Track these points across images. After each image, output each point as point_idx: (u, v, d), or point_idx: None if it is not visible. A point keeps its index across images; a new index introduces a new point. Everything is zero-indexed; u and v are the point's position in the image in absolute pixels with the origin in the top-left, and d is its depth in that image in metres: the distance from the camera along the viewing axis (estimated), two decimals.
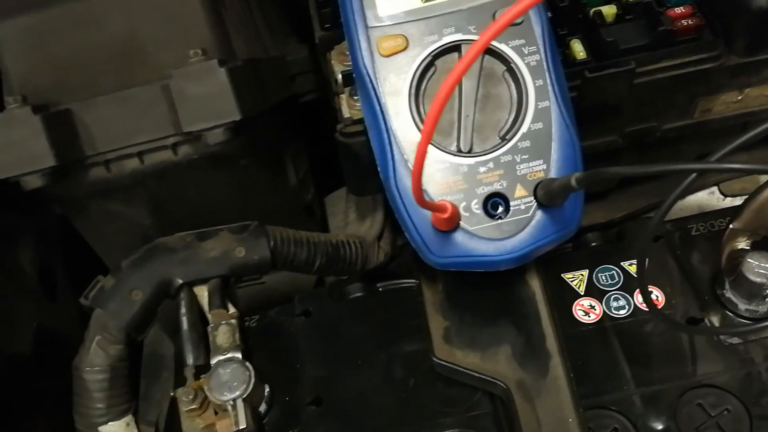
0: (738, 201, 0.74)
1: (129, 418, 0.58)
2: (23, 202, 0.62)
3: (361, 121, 0.59)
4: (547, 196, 0.49)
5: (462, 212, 0.50)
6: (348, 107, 0.60)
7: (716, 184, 0.74)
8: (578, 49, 0.60)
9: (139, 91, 0.59)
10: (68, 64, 0.59)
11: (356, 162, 0.62)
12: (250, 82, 0.61)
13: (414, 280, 0.59)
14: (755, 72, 0.62)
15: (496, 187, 0.51)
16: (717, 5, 0.59)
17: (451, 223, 0.49)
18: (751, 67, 0.61)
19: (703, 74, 0.60)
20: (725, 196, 0.74)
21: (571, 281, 0.57)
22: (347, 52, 0.61)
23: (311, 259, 0.64)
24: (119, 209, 0.65)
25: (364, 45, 0.52)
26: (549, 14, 0.58)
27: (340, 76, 0.61)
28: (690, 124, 0.65)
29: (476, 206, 0.50)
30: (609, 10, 0.61)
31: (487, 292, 0.56)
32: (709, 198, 0.74)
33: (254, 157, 0.65)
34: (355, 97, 0.59)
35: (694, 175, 0.39)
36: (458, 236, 0.50)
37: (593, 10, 0.60)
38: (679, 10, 0.59)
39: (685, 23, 0.59)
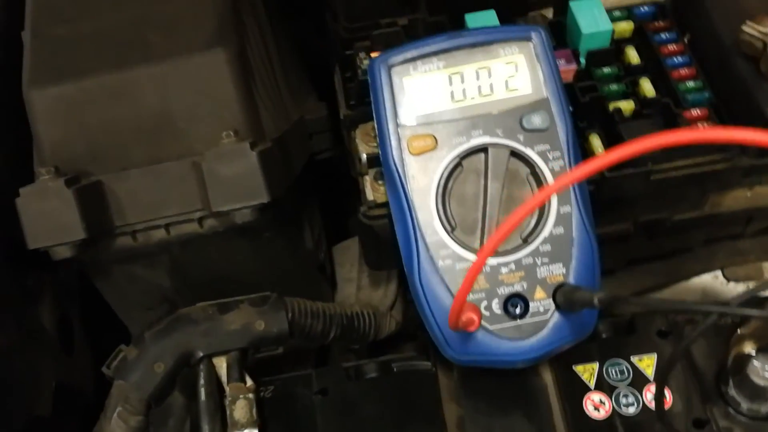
0: (741, 287, 0.76)
1: None
2: (45, 258, 0.64)
3: (383, 204, 0.61)
4: (566, 303, 0.51)
5: (483, 311, 0.52)
6: (372, 190, 0.62)
7: (721, 268, 0.76)
8: (597, 145, 0.62)
9: (170, 166, 0.60)
10: (101, 135, 0.61)
11: (377, 242, 0.63)
12: (278, 161, 0.63)
13: (428, 363, 0.61)
14: (766, 171, 0.64)
15: (517, 288, 0.52)
16: (732, 109, 0.62)
17: (474, 328, 0.50)
18: (763, 167, 0.63)
19: (715, 173, 0.62)
20: (728, 280, 0.76)
21: (582, 374, 0.59)
22: (372, 134, 0.62)
23: (326, 331, 0.66)
24: (141, 273, 0.67)
25: (394, 142, 0.54)
26: (571, 108, 0.60)
27: (365, 157, 0.63)
28: (700, 216, 0.67)
29: (497, 306, 0.52)
30: (627, 106, 0.63)
31: (500, 381, 0.58)
32: (713, 281, 0.76)
33: (276, 227, 0.66)
34: (379, 182, 0.61)
35: (714, 317, 0.41)
36: (478, 335, 0.52)
37: (613, 106, 0.62)
38: (695, 111, 0.62)
39: (701, 126, 0.61)
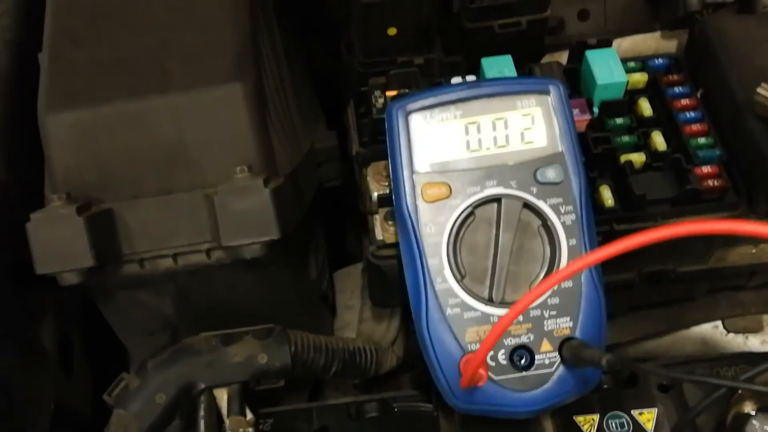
0: (740, 338, 0.76)
1: None
2: (48, 278, 0.64)
3: (392, 245, 0.61)
4: (572, 359, 0.51)
5: (489, 362, 0.52)
6: (381, 229, 0.62)
7: (722, 319, 0.76)
8: (607, 196, 0.62)
9: (182, 197, 0.60)
10: (115, 163, 0.61)
11: (383, 281, 0.64)
12: (290, 197, 0.63)
13: (429, 405, 0.61)
14: None
15: (524, 339, 0.53)
16: (743, 167, 0.62)
17: (482, 382, 0.51)
18: None
19: None
20: (728, 331, 0.76)
21: (582, 425, 0.59)
22: (384, 173, 0.63)
23: (328, 365, 0.66)
24: (146, 299, 0.67)
25: (408, 189, 0.55)
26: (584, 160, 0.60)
27: (375, 197, 0.63)
28: (704, 269, 0.67)
29: (503, 357, 0.53)
30: (638, 158, 0.63)
31: (501, 428, 0.58)
32: (713, 331, 0.77)
33: (283, 261, 0.66)
34: (389, 222, 0.61)
35: (722, 390, 0.41)
36: (484, 385, 0.52)
37: (624, 158, 0.63)
38: (706, 168, 0.62)
39: (712, 183, 0.61)
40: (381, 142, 0.61)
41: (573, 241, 0.54)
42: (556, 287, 0.53)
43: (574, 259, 0.40)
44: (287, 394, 0.76)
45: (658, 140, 0.64)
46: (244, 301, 0.69)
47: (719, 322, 0.77)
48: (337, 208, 0.91)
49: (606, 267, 0.60)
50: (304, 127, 0.79)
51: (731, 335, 0.76)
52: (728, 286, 0.75)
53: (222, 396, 0.62)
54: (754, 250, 0.66)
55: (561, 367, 0.52)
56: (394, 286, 0.62)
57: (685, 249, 0.66)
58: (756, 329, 0.75)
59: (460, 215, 0.54)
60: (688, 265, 0.67)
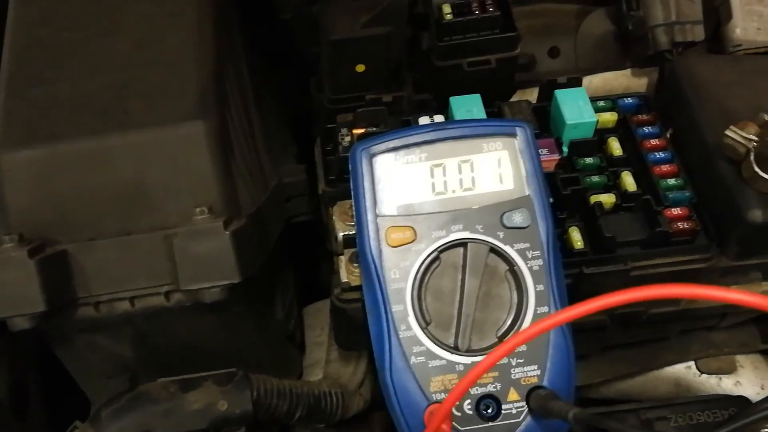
0: (713, 379, 0.75)
1: None
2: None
3: (357, 287, 0.59)
4: (540, 410, 0.49)
5: (454, 412, 0.51)
6: (346, 272, 0.61)
7: (695, 359, 0.75)
8: (576, 239, 0.61)
9: (140, 239, 0.58)
10: (72, 203, 0.59)
11: (349, 324, 0.62)
12: (253, 239, 0.61)
13: None
14: (743, 273, 0.64)
15: (490, 389, 0.51)
16: (713, 210, 0.62)
17: None
18: (741, 269, 0.63)
19: (694, 272, 0.62)
20: (701, 372, 0.75)
21: None
22: (350, 213, 0.61)
23: (292, 411, 0.64)
24: (103, 343, 0.65)
25: (372, 233, 0.53)
26: (551, 200, 0.59)
27: (341, 237, 0.61)
28: (676, 311, 0.66)
29: (469, 407, 0.51)
30: (608, 199, 0.63)
31: None
32: (686, 372, 0.75)
33: (246, 304, 0.65)
34: (355, 264, 0.60)
35: None
36: None
37: (594, 200, 0.62)
38: (676, 210, 0.61)
39: (682, 226, 0.61)
40: (347, 181, 0.59)
41: (540, 287, 0.52)
42: None
43: (543, 318, 0.38)
44: None
45: (628, 180, 0.63)
46: (206, 345, 0.67)
47: (692, 363, 0.76)
48: (308, 242, 0.90)
49: None
50: (272, 164, 0.77)
51: (704, 376, 0.75)
52: (701, 326, 0.74)
53: None
54: None
55: (528, 418, 0.51)
56: (360, 329, 0.60)
57: None
58: (729, 370, 0.74)
59: (425, 260, 0.53)
60: (660, 307, 0.66)
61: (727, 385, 0.74)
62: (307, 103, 0.83)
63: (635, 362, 0.76)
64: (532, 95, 0.75)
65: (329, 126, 0.68)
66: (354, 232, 0.59)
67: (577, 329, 0.54)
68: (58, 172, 0.59)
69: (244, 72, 0.76)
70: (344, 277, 0.60)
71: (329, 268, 0.64)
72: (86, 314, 0.60)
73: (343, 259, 0.61)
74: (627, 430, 0.39)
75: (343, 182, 0.63)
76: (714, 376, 0.75)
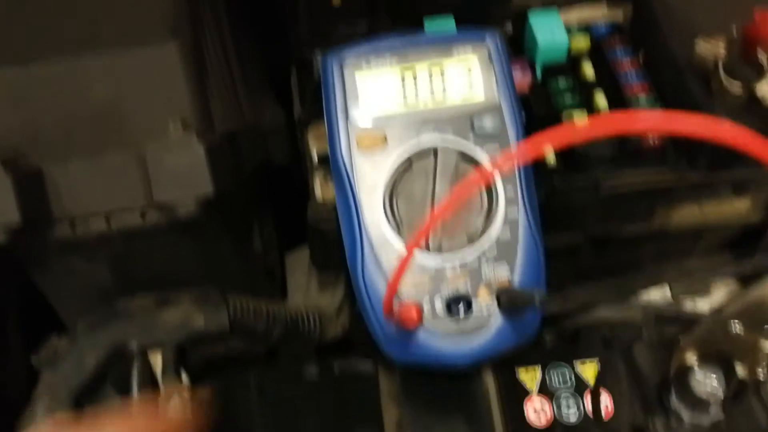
0: (688, 302, 0.76)
1: None
2: None
3: (332, 204, 0.60)
4: (509, 305, 0.50)
5: (425, 311, 0.51)
6: (321, 189, 0.61)
7: (669, 284, 0.76)
8: (550, 156, 0.62)
9: (114, 157, 0.58)
10: (45, 123, 0.59)
11: (324, 241, 0.62)
12: (226, 155, 0.61)
13: (370, 367, 0.60)
14: (714, 189, 0.65)
15: (461, 289, 0.52)
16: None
17: (414, 324, 0.50)
18: (711, 184, 0.64)
19: (665, 188, 0.63)
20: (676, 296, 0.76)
21: (524, 378, 0.58)
22: (325, 132, 0.62)
23: (269, 330, 0.64)
24: (80, 266, 0.65)
25: (344, 138, 0.54)
26: (524, 114, 0.60)
27: (315, 157, 0.62)
28: (649, 231, 0.67)
29: (439, 306, 0.51)
30: (580, 117, 0.63)
31: (441, 385, 0.57)
32: (660, 296, 0.76)
33: (222, 224, 0.65)
34: (329, 181, 0.60)
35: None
36: (420, 335, 0.51)
37: (566, 115, 0.63)
38: None
39: (652, 141, 0.61)
40: (322, 105, 0.60)
41: (510, 190, 0.53)
42: (494, 236, 0.52)
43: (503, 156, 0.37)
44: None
45: (600, 101, 0.64)
46: (185, 271, 0.68)
47: (667, 288, 0.76)
48: (291, 193, 0.90)
49: (550, 229, 0.59)
50: (250, 103, 0.77)
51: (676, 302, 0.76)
52: (675, 251, 0.74)
53: (156, 359, 0.60)
54: (698, 210, 0.66)
55: (499, 317, 0.51)
56: (335, 247, 0.61)
57: (629, 209, 0.66)
58: (703, 292, 0.75)
59: (396, 165, 0.53)
60: (633, 227, 0.67)
61: (702, 307, 0.75)
62: (285, 54, 0.83)
63: (610, 290, 0.76)
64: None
65: (305, 56, 0.69)
66: (329, 150, 0.60)
67: (552, 254, 0.54)
68: (30, 92, 0.59)
69: (220, 7, 0.76)
70: (319, 194, 0.61)
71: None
72: (62, 233, 0.60)
73: (318, 178, 0.62)
74: (597, 301, 0.40)
75: (318, 104, 0.64)
76: (688, 298, 0.75)
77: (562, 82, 0.66)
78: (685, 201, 0.65)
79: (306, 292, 0.78)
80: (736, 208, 0.66)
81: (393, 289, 0.42)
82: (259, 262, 0.77)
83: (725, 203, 0.66)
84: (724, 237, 0.73)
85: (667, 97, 0.64)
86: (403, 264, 0.40)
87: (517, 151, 0.36)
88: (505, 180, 0.53)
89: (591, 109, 0.64)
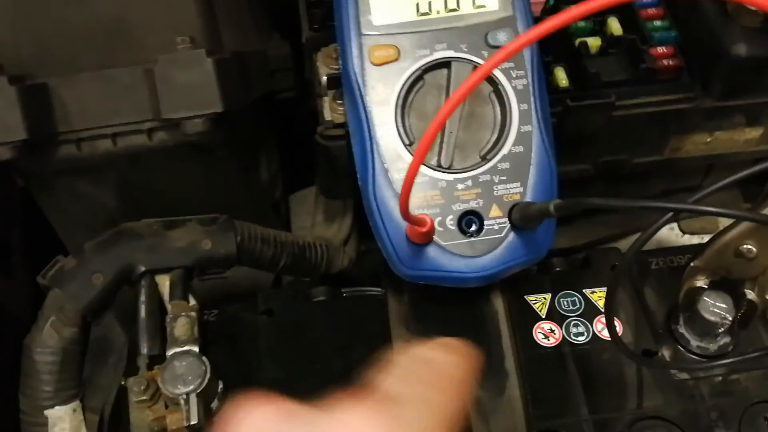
0: (695, 239, 0.76)
1: (76, 404, 0.57)
2: None
3: (342, 125, 0.59)
4: (522, 219, 0.49)
5: (437, 227, 0.51)
6: (330, 110, 0.60)
7: (677, 220, 0.76)
8: (561, 77, 0.61)
9: (121, 72, 0.58)
10: (52, 38, 0.58)
11: (332, 165, 0.62)
12: (235, 75, 0.60)
13: (379, 289, 0.59)
14: (727, 117, 0.64)
15: (472, 205, 0.51)
16: (698, 49, 0.61)
17: (426, 237, 0.49)
18: (724, 111, 0.63)
19: (677, 113, 0.62)
20: (684, 233, 0.76)
21: (534, 304, 0.58)
22: (334, 56, 0.61)
23: (276, 258, 0.64)
24: (86, 189, 0.64)
25: (355, 51, 0.53)
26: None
27: (324, 79, 0.61)
28: (660, 160, 0.67)
29: (451, 222, 0.51)
30: (594, 42, 0.62)
31: (451, 308, 0.56)
32: (669, 234, 0.76)
33: (230, 150, 0.64)
34: (338, 101, 0.59)
35: (670, 214, 0.40)
36: (431, 251, 0.50)
37: (579, 40, 0.62)
38: (661, 49, 0.61)
39: (666, 63, 0.60)
40: (330, 28, 0.59)
41: (524, 106, 0.52)
42: (506, 152, 0.52)
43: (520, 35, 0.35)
44: None
45: (614, 25, 0.63)
46: (192, 196, 0.67)
47: (675, 224, 0.76)
48: (297, 134, 0.89)
49: (561, 157, 0.58)
50: (257, 31, 0.76)
51: (687, 236, 0.75)
52: (684, 187, 0.74)
53: (164, 282, 0.60)
54: (708, 139, 0.65)
55: (511, 233, 0.51)
56: (343, 170, 0.60)
57: (640, 138, 0.65)
58: (712, 230, 0.74)
59: (408, 79, 0.52)
60: (644, 156, 0.66)
61: None
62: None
63: (618, 226, 0.76)
64: None
65: None
66: (337, 72, 0.59)
67: (561, 184, 0.54)
68: (36, 7, 0.58)
69: None
70: (328, 116, 0.60)
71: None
72: (68, 153, 0.59)
73: (326, 100, 0.61)
74: (611, 203, 0.39)
75: (327, 30, 0.63)
76: (696, 235, 0.75)
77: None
78: (697, 129, 0.64)
79: (312, 226, 0.77)
80: (749, 137, 0.66)
81: (407, 189, 0.41)
82: (265, 192, 0.76)
83: (737, 132, 0.65)
84: (735, 170, 0.72)
85: (682, 20, 0.63)
86: (416, 163, 0.39)
87: (511, 45, 0.35)
88: (519, 95, 0.52)
89: (604, 34, 0.63)
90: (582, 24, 0.64)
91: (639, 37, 0.62)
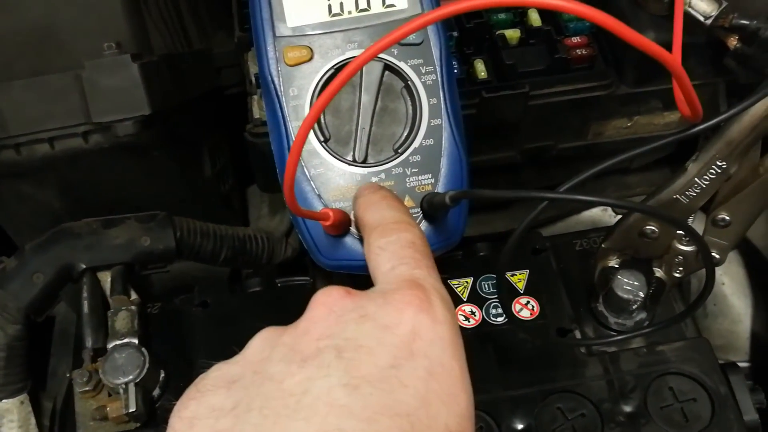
0: None
1: (24, 396, 0.60)
2: None
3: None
4: (430, 208, 0.52)
5: (352, 218, 0.53)
6: (258, 108, 0.63)
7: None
8: (480, 69, 0.63)
9: (52, 78, 0.60)
10: None
11: (264, 161, 0.64)
12: (165, 76, 0.63)
13: (308, 278, 0.62)
14: (643, 102, 0.66)
15: None
16: (610, 37, 0.64)
17: (339, 230, 0.52)
18: (639, 97, 0.66)
19: (594, 100, 0.64)
20: (617, 213, 0.78)
21: (457, 287, 0.61)
22: None
23: (217, 251, 0.67)
24: (30, 191, 0.67)
25: (271, 53, 0.55)
26: (456, 34, 0.61)
27: (253, 78, 0.63)
28: (584, 145, 0.69)
29: None
30: (513, 34, 0.64)
31: None
32: (602, 214, 0.79)
33: (167, 147, 0.67)
34: None
35: (545, 203, 0.43)
36: (347, 241, 0.53)
37: (498, 32, 0.64)
38: (575, 39, 0.63)
39: (580, 52, 0.63)
40: None
41: (434, 100, 0.54)
42: (417, 145, 0.54)
43: (413, 19, 0.37)
44: None
45: (534, 16, 0.65)
46: (134, 194, 0.69)
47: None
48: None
49: (486, 146, 0.61)
50: (198, 30, 0.78)
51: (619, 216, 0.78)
52: (614, 169, 0.76)
53: (105, 278, 0.63)
54: (628, 123, 0.68)
55: (424, 222, 0.53)
56: (274, 166, 0.63)
57: (562, 125, 0.67)
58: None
59: (322, 78, 0.54)
60: (568, 142, 0.69)
61: None
62: None
63: (553, 208, 0.78)
64: None
65: None
66: None
67: (491, 169, 0.56)
68: None
69: None
70: (257, 114, 0.62)
71: None
72: (8, 157, 0.62)
73: (255, 98, 0.63)
74: (496, 194, 0.42)
75: None
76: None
77: None
78: (616, 114, 0.67)
79: (258, 218, 0.80)
80: (667, 120, 0.68)
81: (291, 175, 0.43)
82: (211, 187, 0.79)
83: (656, 116, 0.68)
84: (659, 153, 0.75)
85: (596, 6, 0.65)
86: (296, 146, 0.41)
87: (398, 31, 0.37)
88: (428, 89, 0.54)
89: (525, 25, 0.65)
90: (503, 16, 0.66)
91: (555, 27, 0.64)
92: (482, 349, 0.58)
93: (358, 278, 0.56)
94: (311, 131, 0.54)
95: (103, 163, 0.64)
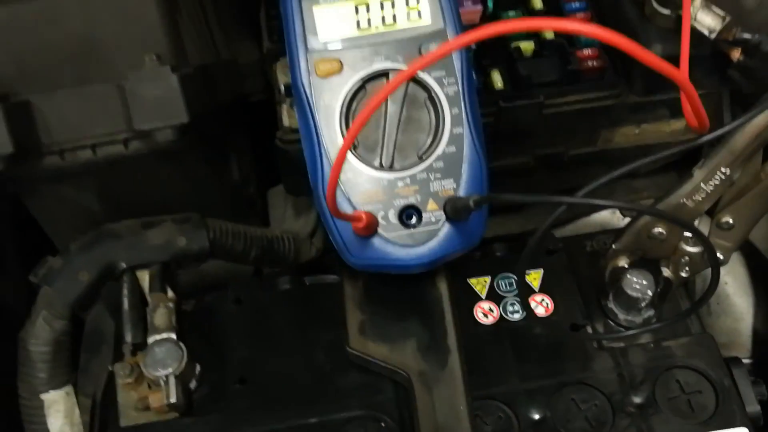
0: None
1: (69, 387, 0.64)
2: None
3: (298, 129, 0.65)
4: (453, 211, 0.56)
5: (380, 221, 0.57)
6: (288, 116, 0.66)
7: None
8: (497, 80, 0.67)
9: (95, 88, 0.64)
10: (30, 58, 0.64)
11: (293, 166, 0.68)
12: (200, 86, 0.66)
13: (336, 277, 0.66)
14: (651, 110, 0.70)
15: (411, 200, 0.57)
16: (621, 51, 0.67)
17: (368, 231, 0.55)
18: (648, 105, 0.69)
19: (604, 109, 0.68)
20: (625, 216, 0.82)
21: (475, 286, 0.64)
22: None
23: (247, 251, 0.70)
24: (70, 194, 0.70)
25: (303, 65, 0.58)
26: (473, 47, 0.65)
27: (283, 87, 0.67)
28: (594, 151, 0.73)
29: (393, 216, 0.57)
30: (527, 46, 0.68)
31: (400, 292, 0.63)
32: (611, 217, 0.82)
33: (200, 153, 0.70)
34: (295, 108, 0.65)
35: (563, 207, 0.47)
36: (376, 241, 0.57)
37: (513, 45, 0.68)
38: (587, 51, 0.67)
39: (591, 64, 0.66)
40: None
41: (455, 110, 0.58)
42: (441, 152, 0.58)
43: (446, 42, 0.41)
44: None
45: (548, 32, 0.69)
46: (168, 197, 0.73)
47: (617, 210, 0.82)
48: (267, 133, 0.95)
49: (502, 152, 0.64)
50: (225, 40, 0.82)
51: (627, 219, 0.81)
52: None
53: (144, 277, 0.66)
54: (637, 131, 0.72)
55: (446, 225, 0.57)
56: (303, 171, 0.66)
57: (573, 132, 0.71)
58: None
59: (351, 89, 0.58)
60: (578, 148, 0.72)
61: None
62: None
63: (568, 211, 0.82)
64: None
65: None
66: None
67: (506, 173, 0.59)
68: (15, 31, 0.64)
69: None
70: (286, 122, 0.66)
71: None
72: (52, 162, 0.66)
73: (285, 107, 0.67)
74: (516, 198, 0.45)
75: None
76: None
77: (512, 13, 0.70)
78: (624, 122, 0.70)
79: (283, 220, 0.83)
80: (674, 128, 0.72)
81: (333, 184, 0.47)
82: (238, 191, 0.83)
83: (663, 124, 0.71)
84: (666, 159, 0.78)
85: (607, 23, 0.69)
86: (340, 158, 0.45)
87: (430, 54, 0.41)
88: (450, 100, 0.58)
89: (538, 37, 0.69)
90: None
91: (567, 40, 0.68)
92: (500, 344, 0.62)
93: (384, 276, 0.60)
94: (341, 138, 0.58)
95: (140, 168, 0.68)
